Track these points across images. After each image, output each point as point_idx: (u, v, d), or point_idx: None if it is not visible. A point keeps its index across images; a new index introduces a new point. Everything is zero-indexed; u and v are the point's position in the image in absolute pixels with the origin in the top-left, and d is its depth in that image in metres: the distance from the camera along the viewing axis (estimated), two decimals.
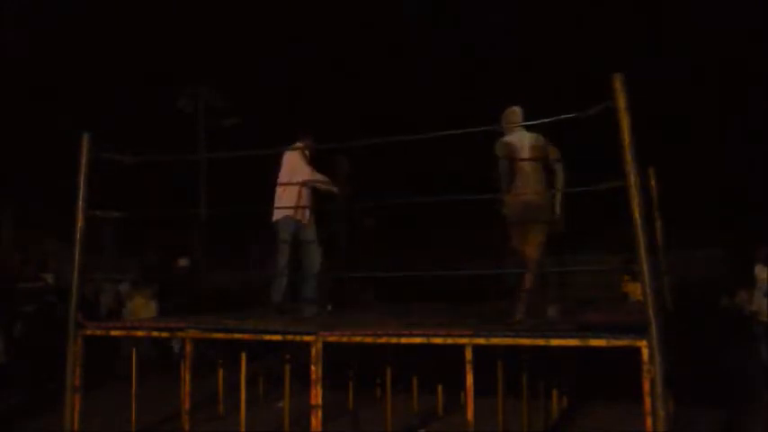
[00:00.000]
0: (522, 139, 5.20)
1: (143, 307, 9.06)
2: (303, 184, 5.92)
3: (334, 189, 6.14)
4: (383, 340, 4.09)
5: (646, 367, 3.32)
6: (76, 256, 4.46)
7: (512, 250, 5.22)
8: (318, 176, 6.05)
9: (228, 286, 12.06)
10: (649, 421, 3.31)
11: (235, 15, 19.02)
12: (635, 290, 8.56)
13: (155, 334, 5.01)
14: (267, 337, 4.35)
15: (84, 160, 4.49)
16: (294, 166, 5.95)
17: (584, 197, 5.28)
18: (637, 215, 3.31)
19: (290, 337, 4.27)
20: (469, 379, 3.77)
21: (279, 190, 6.00)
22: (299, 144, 6.10)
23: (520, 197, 5.04)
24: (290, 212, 5.84)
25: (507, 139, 5.22)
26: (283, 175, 5.99)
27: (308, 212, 6.01)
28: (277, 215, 5.89)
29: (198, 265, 13.61)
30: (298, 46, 19.16)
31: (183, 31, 17.59)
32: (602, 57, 15.50)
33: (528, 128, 5.22)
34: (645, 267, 3.28)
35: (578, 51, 17.90)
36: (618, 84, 3.40)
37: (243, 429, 5.15)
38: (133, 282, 10.06)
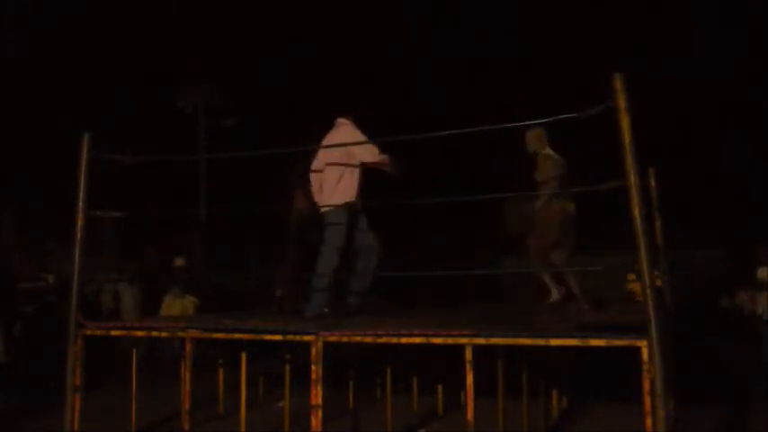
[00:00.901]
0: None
1: (173, 305, 9.07)
2: (372, 164, 5.31)
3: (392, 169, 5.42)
4: (383, 340, 4.09)
5: (646, 367, 3.32)
6: (76, 256, 4.46)
7: (537, 250, 5.97)
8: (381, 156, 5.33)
9: (228, 286, 12.07)
10: (649, 421, 3.31)
11: (235, 15, 19.03)
12: (639, 289, 8.65)
13: (155, 334, 5.01)
14: (267, 337, 4.35)
15: (84, 160, 4.48)
16: (349, 146, 5.28)
17: (584, 197, 5.34)
18: (637, 215, 3.31)
19: (290, 337, 4.27)
20: (469, 379, 3.77)
21: (333, 174, 5.37)
22: (342, 120, 5.52)
23: (564, 204, 5.79)
24: (350, 198, 5.32)
25: (556, 156, 5.92)
26: (336, 158, 5.33)
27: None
28: (336, 200, 5.29)
29: (195, 265, 13.61)
30: (298, 46, 19.17)
31: (183, 30, 17.59)
32: (602, 57, 15.52)
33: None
34: (645, 267, 3.28)
35: (578, 51, 17.90)
36: (618, 84, 3.39)
37: (243, 429, 5.15)
38: (131, 281, 10.06)
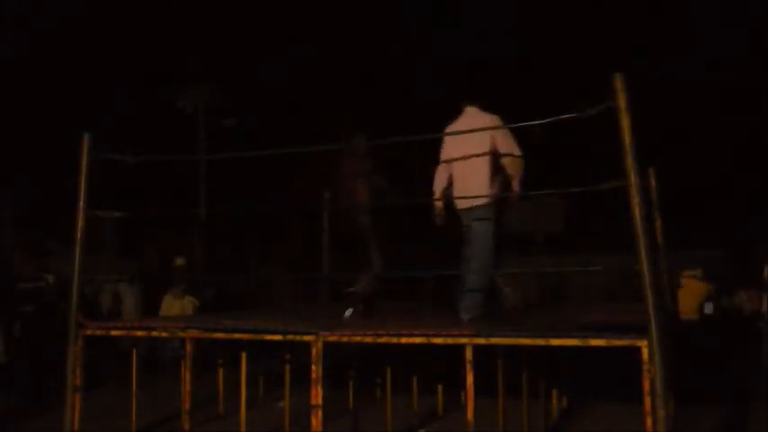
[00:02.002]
0: None
1: (172, 306, 9.06)
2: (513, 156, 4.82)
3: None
4: (383, 340, 4.09)
5: (646, 367, 3.31)
6: (76, 256, 4.45)
7: None
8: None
9: (228, 286, 12.07)
10: (649, 421, 3.31)
11: (235, 15, 19.03)
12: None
13: (155, 334, 5.00)
14: (267, 337, 4.34)
15: (84, 160, 4.48)
16: (497, 139, 4.76)
17: (585, 197, 5.33)
18: (637, 215, 3.30)
19: (290, 337, 4.27)
20: (469, 379, 3.76)
21: (475, 167, 4.84)
22: (471, 109, 5.04)
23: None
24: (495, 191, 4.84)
25: None
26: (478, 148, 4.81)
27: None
28: (488, 199, 4.80)
29: (195, 264, 13.62)
30: (298, 46, 19.16)
31: (183, 30, 17.59)
32: (602, 57, 15.51)
33: None
34: (645, 267, 3.28)
35: (578, 51, 17.90)
36: (618, 84, 3.39)
37: (243, 429, 5.15)
38: (131, 280, 10.06)
